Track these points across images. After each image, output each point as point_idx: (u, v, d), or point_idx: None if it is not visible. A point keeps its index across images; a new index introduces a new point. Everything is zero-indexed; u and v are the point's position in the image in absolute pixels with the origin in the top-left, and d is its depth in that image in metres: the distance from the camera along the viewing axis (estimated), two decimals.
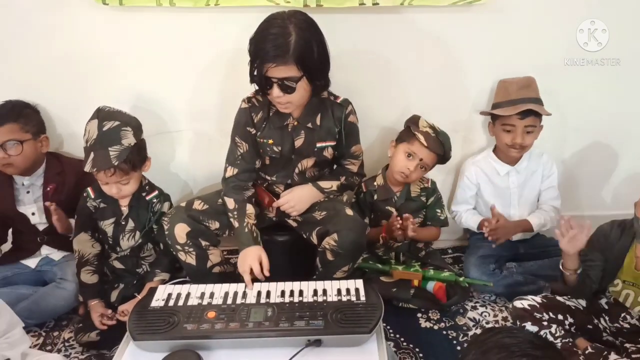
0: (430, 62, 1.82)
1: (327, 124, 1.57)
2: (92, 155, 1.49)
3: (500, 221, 1.76)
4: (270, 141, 1.57)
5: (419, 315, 1.71)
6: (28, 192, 1.75)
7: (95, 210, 1.65)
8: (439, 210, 1.86)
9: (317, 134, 1.57)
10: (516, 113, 1.69)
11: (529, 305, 1.51)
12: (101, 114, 1.54)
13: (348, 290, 1.35)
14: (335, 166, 1.73)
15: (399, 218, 1.70)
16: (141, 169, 1.62)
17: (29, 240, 1.76)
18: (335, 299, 1.32)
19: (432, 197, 1.85)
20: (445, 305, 1.71)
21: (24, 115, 1.69)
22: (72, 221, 1.72)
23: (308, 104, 1.54)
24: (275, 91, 1.40)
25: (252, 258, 1.45)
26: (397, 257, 1.85)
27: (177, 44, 1.75)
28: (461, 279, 1.75)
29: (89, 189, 1.66)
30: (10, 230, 1.78)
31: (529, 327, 1.48)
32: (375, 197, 1.83)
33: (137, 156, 1.57)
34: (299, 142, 1.58)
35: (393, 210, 1.80)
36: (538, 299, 1.53)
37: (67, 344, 1.60)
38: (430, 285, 1.73)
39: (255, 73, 1.43)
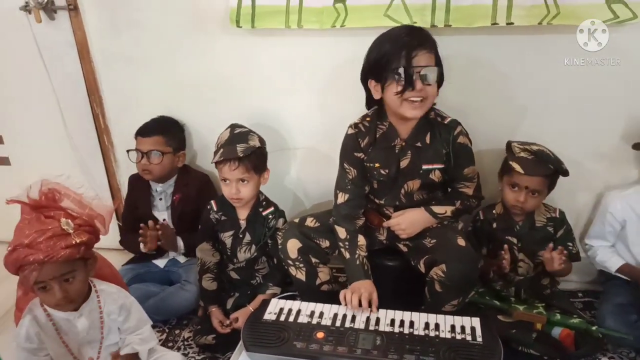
0: (568, 85, 1.67)
1: (435, 145, 1.51)
2: (221, 150, 1.62)
3: None
4: (377, 164, 1.55)
5: None
6: (161, 199, 1.93)
7: (217, 222, 1.75)
8: (570, 244, 1.67)
9: (424, 154, 1.52)
10: None
11: None
12: (234, 126, 1.69)
13: (463, 328, 1.27)
14: (449, 189, 1.64)
15: (505, 253, 1.59)
16: (260, 176, 1.67)
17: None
18: (448, 335, 1.25)
19: (562, 229, 1.67)
20: (574, 355, 1.53)
21: (170, 132, 1.88)
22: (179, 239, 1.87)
23: (418, 124, 1.50)
24: (418, 84, 1.37)
25: (364, 292, 1.41)
26: (518, 294, 1.70)
27: (301, 65, 1.81)
28: (594, 327, 1.55)
29: (212, 202, 1.76)
30: None
31: None
32: (494, 225, 1.70)
33: (259, 160, 1.65)
34: (404, 163, 1.53)
35: (514, 240, 1.66)
36: None
37: (186, 342, 1.71)
38: (556, 331, 1.56)
39: (398, 70, 1.37)
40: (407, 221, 1.55)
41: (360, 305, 1.38)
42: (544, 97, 1.71)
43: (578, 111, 1.70)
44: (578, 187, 1.80)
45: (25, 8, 1.85)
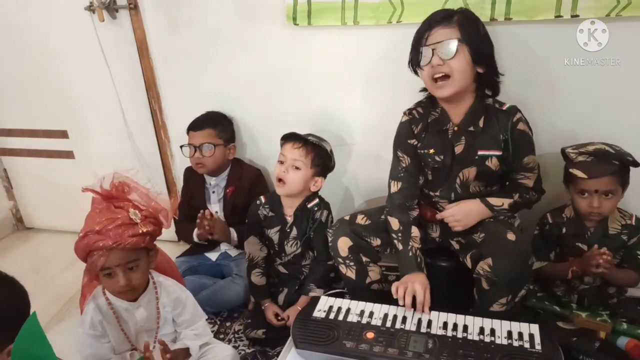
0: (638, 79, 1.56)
1: (491, 130, 1.45)
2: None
3: None
4: (432, 150, 1.51)
5: None
6: (214, 192, 1.97)
7: (265, 218, 1.76)
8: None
9: (478, 140, 1.46)
10: None
11: None
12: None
13: (520, 335, 1.22)
14: (507, 183, 1.56)
15: (602, 252, 1.46)
16: (314, 175, 1.67)
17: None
18: (505, 342, 1.20)
19: (636, 237, 1.55)
20: None
21: (220, 124, 1.92)
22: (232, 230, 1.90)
23: (470, 108, 1.46)
24: (435, 59, 1.37)
25: (417, 285, 1.37)
26: (581, 301, 1.60)
27: (354, 60, 1.80)
28: None
29: (261, 197, 1.78)
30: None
31: None
32: (564, 230, 1.60)
33: (321, 159, 1.67)
34: (459, 149, 1.48)
35: (585, 247, 1.56)
36: None
37: (236, 335, 1.74)
38: (622, 342, 1.46)
39: (412, 52, 1.44)
40: (462, 212, 1.49)
41: (413, 305, 1.34)
42: (612, 93, 1.61)
43: None
44: None
45: (90, 8, 1.94)
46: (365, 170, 1.97)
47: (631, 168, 1.49)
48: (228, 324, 1.80)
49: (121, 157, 2.20)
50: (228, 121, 1.97)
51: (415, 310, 1.34)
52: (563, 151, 1.54)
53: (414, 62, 1.45)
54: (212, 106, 1.98)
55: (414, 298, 1.36)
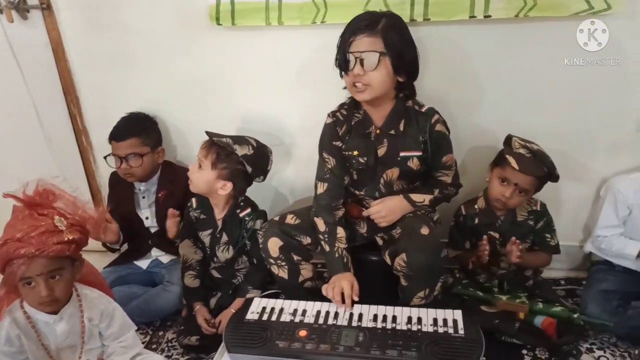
0: (549, 77, 1.68)
1: (412, 132, 1.51)
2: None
3: None
4: (355, 152, 1.55)
5: (525, 352, 1.56)
6: (144, 197, 1.90)
7: (196, 220, 1.74)
8: (548, 235, 1.68)
9: (400, 141, 1.51)
10: None
11: None
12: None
13: (445, 321, 1.28)
14: (428, 180, 1.63)
15: (485, 243, 1.59)
16: (219, 175, 1.62)
17: (141, 242, 1.90)
18: (431, 329, 1.25)
19: (542, 221, 1.68)
20: (556, 343, 1.54)
21: (145, 130, 1.83)
22: None
23: (391, 111, 1.50)
24: (357, 68, 1.38)
25: (344, 283, 1.42)
26: (501, 285, 1.71)
27: (284, 62, 1.80)
28: (576, 315, 1.57)
29: (192, 199, 1.75)
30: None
31: None
32: (476, 221, 1.71)
33: (229, 162, 1.61)
34: (382, 151, 1.53)
35: (497, 235, 1.67)
36: None
37: (169, 344, 1.70)
38: (539, 320, 1.57)
39: (338, 55, 1.44)
40: (387, 208, 1.54)
41: (342, 300, 1.38)
42: (534, 91, 1.71)
43: (562, 101, 1.71)
44: (567, 178, 1.81)
45: None
46: (297, 170, 1.98)
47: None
48: (161, 332, 1.75)
49: (39, 165, 2.07)
50: (152, 123, 1.90)
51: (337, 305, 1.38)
52: (509, 137, 1.61)
53: (341, 66, 1.46)
54: (139, 110, 1.91)
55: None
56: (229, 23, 1.73)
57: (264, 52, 1.80)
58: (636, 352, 1.43)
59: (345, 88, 1.55)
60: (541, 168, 1.55)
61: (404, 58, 1.42)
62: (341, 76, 1.49)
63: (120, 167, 1.80)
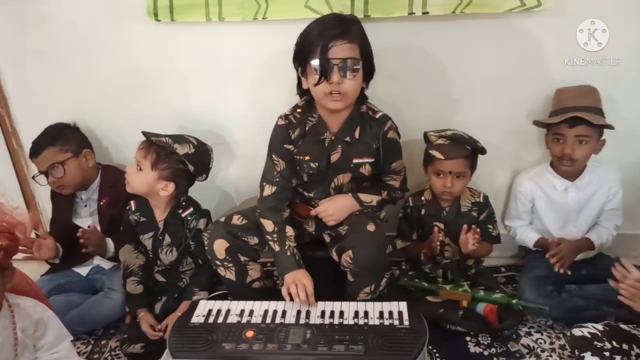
0: (483, 71, 1.74)
1: (366, 139, 1.52)
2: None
3: (563, 243, 1.66)
4: (307, 157, 1.54)
5: (468, 339, 1.62)
6: (85, 205, 1.83)
7: (136, 223, 1.69)
8: (490, 226, 1.76)
9: (354, 149, 1.52)
10: (564, 121, 1.58)
11: (589, 333, 1.38)
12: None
13: (391, 314, 1.30)
14: (377, 181, 1.65)
15: (440, 234, 1.63)
16: (159, 177, 1.58)
17: (81, 249, 1.79)
18: (377, 322, 1.27)
19: (485, 213, 1.75)
20: (497, 329, 1.61)
21: (61, 137, 1.74)
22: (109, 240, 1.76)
23: (348, 118, 1.49)
24: (335, 76, 1.34)
25: (305, 281, 1.41)
26: (445, 275, 1.76)
27: (226, 58, 1.77)
28: (514, 301, 1.64)
29: (131, 202, 1.69)
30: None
31: (589, 357, 1.36)
32: (423, 212, 1.75)
33: (168, 162, 1.59)
34: (335, 157, 1.53)
35: (442, 226, 1.72)
36: (600, 326, 1.40)
37: (113, 353, 1.64)
38: (481, 307, 1.63)
39: (312, 61, 1.35)
40: (335, 207, 1.55)
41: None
42: (463, 84, 1.77)
43: (493, 96, 1.78)
44: (496, 169, 1.90)
45: None
46: (244, 169, 1.95)
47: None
48: (104, 341, 1.68)
49: None
50: (70, 129, 1.79)
51: (301, 303, 1.37)
52: (425, 134, 1.68)
53: (303, 68, 1.41)
54: (72, 109, 1.83)
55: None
56: (167, 19, 1.68)
57: (205, 48, 1.76)
58: (568, 333, 1.52)
59: (301, 93, 1.52)
60: (463, 148, 1.62)
61: (371, 64, 1.42)
62: (298, 85, 1.47)
63: (48, 182, 1.72)
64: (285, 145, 1.54)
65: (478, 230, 1.62)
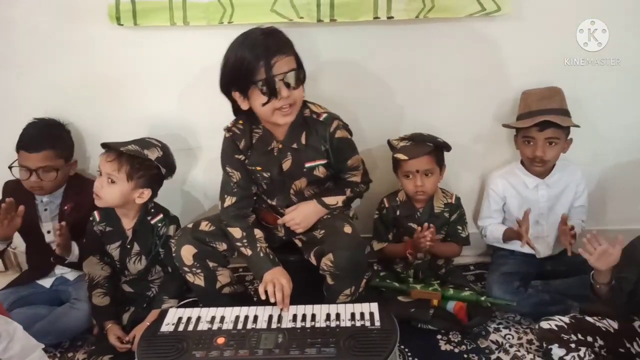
0: (448, 75, 1.78)
1: (313, 143, 1.51)
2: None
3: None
4: (258, 168, 1.53)
5: (439, 337, 1.64)
6: (46, 209, 1.76)
7: (102, 234, 1.65)
8: (460, 227, 1.80)
9: (303, 154, 1.51)
10: (534, 125, 1.63)
11: (556, 325, 1.43)
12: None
13: (362, 315, 1.31)
14: (338, 181, 1.65)
15: (431, 228, 1.64)
16: (135, 187, 1.58)
17: (42, 260, 1.76)
18: (348, 324, 1.28)
19: (455, 214, 1.78)
20: (467, 326, 1.64)
21: (60, 141, 1.71)
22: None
23: (292, 125, 1.47)
24: (284, 91, 1.33)
25: (283, 280, 1.40)
26: (416, 275, 1.79)
27: (191, 62, 1.75)
28: (482, 298, 1.67)
29: (95, 212, 1.66)
30: (24, 248, 1.80)
31: (556, 350, 1.40)
32: (398, 213, 1.77)
33: (142, 171, 1.57)
34: (287, 165, 1.52)
35: (416, 226, 1.73)
36: (566, 319, 1.45)
37: None
38: (451, 305, 1.66)
39: (258, 83, 1.32)
40: (301, 215, 1.55)
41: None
42: (430, 87, 1.80)
43: (460, 99, 1.82)
44: (465, 171, 1.94)
45: None
46: (211, 174, 1.91)
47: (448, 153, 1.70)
48: (70, 354, 1.64)
49: None
50: (66, 132, 1.76)
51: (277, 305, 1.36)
52: (389, 141, 1.72)
53: (243, 90, 1.38)
54: (35, 115, 1.76)
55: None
56: (130, 23, 1.66)
57: (170, 53, 1.74)
58: (536, 326, 1.56)
59: (235, 113, 1.50)
60: (424, 145, 1.65)
61: (304, 69, 1.41)
62: (235, 109, 1.47)
63: (29, 179, 1.66)
64: (235, 156, 1.53)
65: (431, 230, 1.63)
